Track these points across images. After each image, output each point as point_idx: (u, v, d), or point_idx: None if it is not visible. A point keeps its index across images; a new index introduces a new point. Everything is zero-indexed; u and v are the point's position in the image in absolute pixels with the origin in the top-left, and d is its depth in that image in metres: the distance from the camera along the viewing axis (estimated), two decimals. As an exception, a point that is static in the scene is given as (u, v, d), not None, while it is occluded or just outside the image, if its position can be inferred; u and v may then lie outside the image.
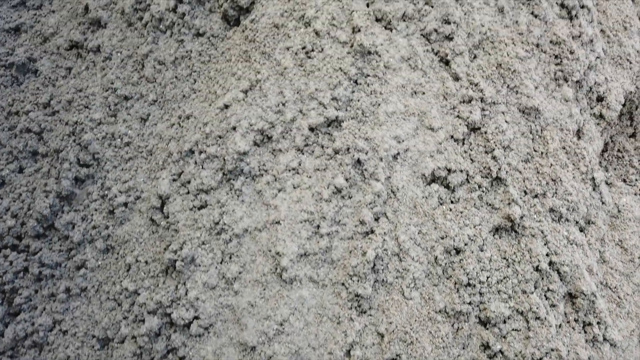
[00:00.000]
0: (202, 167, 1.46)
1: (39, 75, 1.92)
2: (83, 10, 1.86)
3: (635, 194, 1.63)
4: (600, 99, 1.57)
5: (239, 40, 1.55)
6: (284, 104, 1.44)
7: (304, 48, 1.46)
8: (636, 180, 1.67)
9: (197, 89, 1.60)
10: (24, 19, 2.08)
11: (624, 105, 1.61)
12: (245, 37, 1.53)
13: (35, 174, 1.73)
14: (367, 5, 1.48)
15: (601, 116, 1.56)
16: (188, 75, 1.63)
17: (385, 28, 1.47)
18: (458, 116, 1.42)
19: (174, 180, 1.49)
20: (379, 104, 1.42)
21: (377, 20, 1.47)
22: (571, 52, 1.48)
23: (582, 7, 1.53)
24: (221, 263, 1.38)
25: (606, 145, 1.69)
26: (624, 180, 1.68)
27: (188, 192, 1.47)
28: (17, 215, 1.65)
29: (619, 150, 1.70)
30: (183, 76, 1.63)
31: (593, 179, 1.46)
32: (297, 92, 1.44)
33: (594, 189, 1.48)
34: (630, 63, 1.61)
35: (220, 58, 1.59)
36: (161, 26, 1.66)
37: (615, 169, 1.69)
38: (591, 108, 1.57)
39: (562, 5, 1.53)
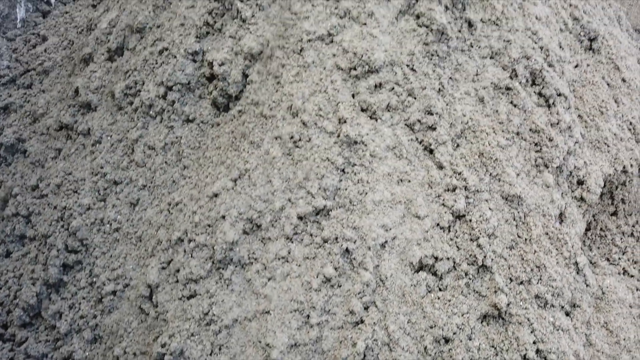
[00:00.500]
0: (192, 256, 1.46)
1: (27, 156, 1.93)
2: (73, 92, 1.90)
3: (619, 273, 1.66)
4: (580, 183, 1.61)
5: (228, 129, 1.58)
6: (272, 193, 1.46)
7: (291, 138, 1.49)
8: (619, 258, 1.71)
9: (186, 175, 1.62)
10: (14, 98, 2.11)
11: (603, 186, 1.66)
12: (235, 127, 1.57)
13: (22, 258, 1.73)
14: (353, 96, 1.52)
15: (582, 199, 1.61)
16: (178, 161, 1.65)
17: (371, 118, 1.51)
18: (443, 204, 1.46)
19: (163, 268, 1.50)
20: (366, 193, 1.45)
21: (363, 110, 1.52)
22: (550, 140, 1.53)
23: (559, 95, 1.60)
24: (210, 355, 1.38)
25: (589, 225, 1.73)
26: (607, 259, 1.71)
27: (177, 281, 1.47)
28: (3, 303, 1.63)
29: (601, 229, 1.74)
30: (173, 162, 1.66)
31: (576, 263, 1.49)
32: (286, 181, 1.47)
33: (577, 273, 1.50)
34: (608, 146, 1.67)
35: (210, 145, 1.62)
36: (151, 112, 1.70)
37: (598, 247, 1.73)
38: (572, 191, 1.61)
39: (540, 94, 1.60)
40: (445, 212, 1.45)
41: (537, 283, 1.42)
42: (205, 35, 1.68)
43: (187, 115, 1.68)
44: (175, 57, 1.68)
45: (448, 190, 1.47)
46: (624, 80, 1.85)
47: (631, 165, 1.71)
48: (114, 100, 1.79)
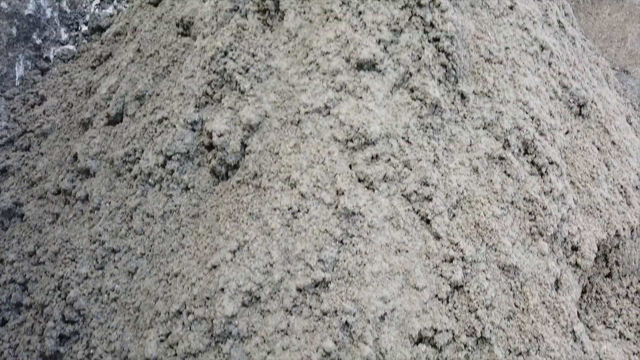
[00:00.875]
0: (190, 329, 1.46)
1: (25, 220, 1.93)
2: (72, 158, 1.91)
3: (615, 337, 1.67)
4: (575, 249, 1.64)
5: (227, 199, 1.60)
6: (271, 265, 1.47)
7: (290, 209, 1.51)
8: (615, 322, 1.72)
9: (185, 244, 1.63)
10: (12, 160, 2.12)
11: (597, 250, 1.69)
12: (233, 197, 1.59)
13: (18, 327, 1.72)
14: (350, 167, 1.55)
15: (577, 265, 1.63)
16: (176, 230, 1.66)
17: (368, 188, 1.54)
18: (441, 275, 1.47)
19: (162, 341, 1.49)
20: (365, 264, 1.46)
21: (360, 181, 1.54)
22: (544, 208, 1.56)
23: (551, 163, 1.64)
24: None
25: (584, 288, 1.75)
26: (604, 323, 1.72)
27: (176, 355, 1.46)
28: (-2, 376, 1.61)
29: (597, 292, 1.76)
30: (172, 230, 1.67)
31: (573, 331, 1.51)
32: (285, 253, 1.48)
33: (575, 341, 1.52)
34: (600, 211, 1.70)
35: (209, 214, 1.63)
36: (150, 180, 1.71)
37: (594, 310, 1.74)
38: (567, 257, 1.63)
39: (533, 163, 1.63)
40: (444, 283, 1.46)
41: (536, 354, 1.43)
42: (205, 105, 1.72)
43: (186, 183, 1.70)
44: (174, 126, 1.71)
45: (445, 261, 1.49)
46: (613, 143, 1.90)
47: (623, 229, 1.74)
48: (112, 167, 1.81)
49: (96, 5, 3.02)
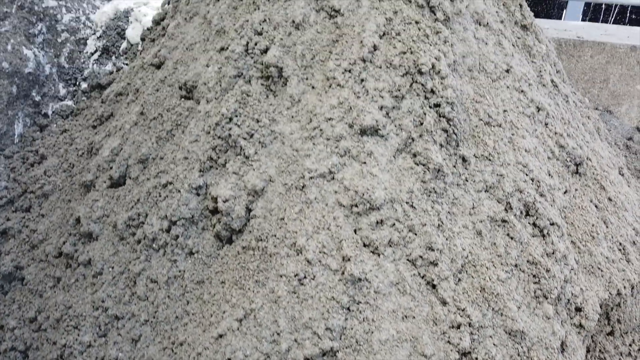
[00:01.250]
0: (197, 401, 1.44)
1: (25, 284, 1.92)
2: (74, 221, 1.91)
3: (622, 398, 1.67)
4: (578, 309, 1.65)
5: (233, 265, 1.60)
6: (279, 334, 1.47)
7: (296, 276, 1.52)
8: (620, 382, 1.73)
9: (190, 311, 1.62)
10: (12, 222, 2.11)
11: (600, 308, 1.70)
12: (238, 264, 1.59)
13: (18, 398, 1.68)
14: (355, 232, 1.56)
15: (581, 326, 1.64)
16: (181, 296, 1.66)
17: (373, 253, 1.55)
18: (449, 342, 1.47)
19: (168, 413, 1.47)
20: (372, 332, 1.46)
21: (365, 246, 1.55)
22: (547, 271, 1.58)
23: (552, 224, 1.66)
24: None
25: (588, 347, 1.76)
26: (609, 383, 1.73)
27: None
28: None
29: (600, 351, 1.77)
30: (176, 296, 1.66)
31: (582, 396, 1.51)
32: (292, 321, 1.47)
33: (584, 406, 1.51)
34: (602, 271, 1.72)
35: (214, 280, 1.63)
36: (154, 245, 1.71)
37: (599, 370, 1.74)
38: (571, 318, 1.64)
39: (534, 225, 1.66)
40: (452, 350, 1.46)
41: (546, 421, 1.43)
42: (209, 170, 1.73)
43: (191, 248, 1.70)
44: (179, 191, 1.72)
45: (453, 327, 1.49)
46: (610, 199, 1.93)
47: (624, 287, 1.75)
48: (116, 231, 1.81)
49: (94, 61, 3.06)
